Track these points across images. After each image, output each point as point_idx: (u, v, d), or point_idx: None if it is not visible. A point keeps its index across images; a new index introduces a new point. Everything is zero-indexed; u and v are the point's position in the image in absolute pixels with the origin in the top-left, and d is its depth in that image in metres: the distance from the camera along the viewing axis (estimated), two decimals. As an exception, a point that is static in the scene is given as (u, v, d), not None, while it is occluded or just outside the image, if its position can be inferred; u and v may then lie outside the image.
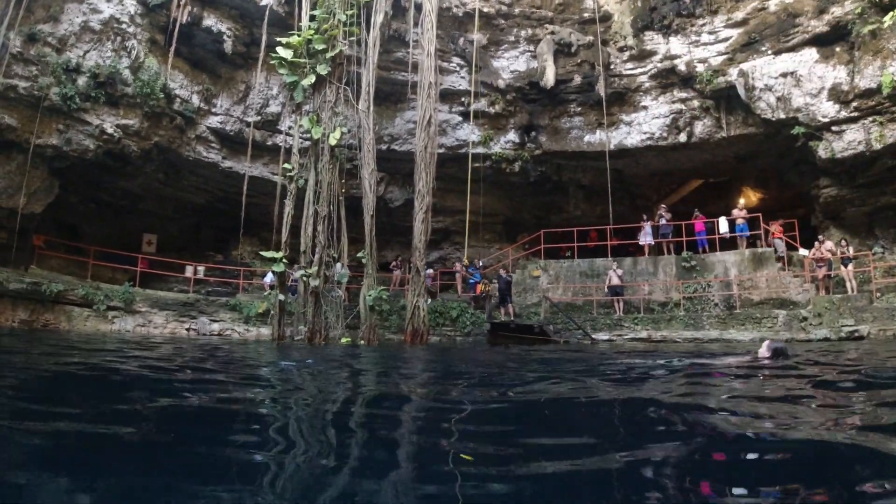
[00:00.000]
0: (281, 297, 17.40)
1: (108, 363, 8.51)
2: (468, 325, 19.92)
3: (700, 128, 21.08)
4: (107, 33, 17.81)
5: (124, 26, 18.07)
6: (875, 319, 15.59)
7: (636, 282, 20.27)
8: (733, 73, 19.74)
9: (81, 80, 17.30)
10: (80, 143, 17.81)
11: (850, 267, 17.37)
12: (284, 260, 17.26)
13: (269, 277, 20.14)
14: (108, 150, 18.45)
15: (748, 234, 20.34)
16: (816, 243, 18.17)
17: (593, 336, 18.31)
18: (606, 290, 20.02)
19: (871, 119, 17.58)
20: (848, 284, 17.29)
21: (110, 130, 18.10)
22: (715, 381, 6.97)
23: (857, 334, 15.28)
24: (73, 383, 6.29)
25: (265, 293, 20.47)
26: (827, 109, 18.14)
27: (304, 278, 17.31)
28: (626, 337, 18.33)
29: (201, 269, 22.13)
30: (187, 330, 19.09)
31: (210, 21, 19.36)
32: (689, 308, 19.13)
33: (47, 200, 18.51)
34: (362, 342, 17.16)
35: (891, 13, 16.37)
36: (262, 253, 18.03)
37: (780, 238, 19.85)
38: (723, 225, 20.79)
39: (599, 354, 13.40)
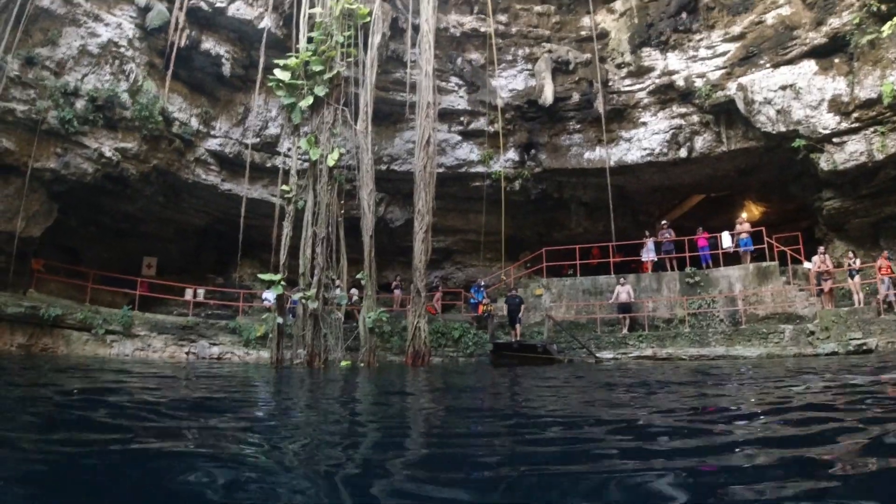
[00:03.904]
0: (279, 319, 17.21)
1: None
2: (470, 345, 19.69)
3: (700, 143, 20.98)
4: (105, 57, 17.88)
5: (122, 50, 18.15)
6: (883, 332, 15.30)
7: (640, 298, 20.00)
8: (732, 87, 19.66)
9: (79, 104, 17.31)
10: (78, 166, 17.78)
11: (857, 279, 17.11)
12: (283, 282, 17.08)
13: (271, 295, 19.77)
14: (107, 173, 18.42)
15: (752, 248, 20.12)
16: (819, 255, 17.89)
17: (598, 355, 18.04)
18: (616, 306, 19.75)
19: (872, 130, 17.42)
20: (855, 297, 17.00)
21: (109, 154, 18.07)
22: None
23: (865, 347, 14.98)
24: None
25: (264, 316, 20.28)
26: (827, 121, 18.00)
27: (303, 300, 17.13)
28: (630, 355, 18.05)
29: (201, 291, 21.97)
30: (186, 354, 18.90)
31: (208, 44, 19.45)
32: (693, 324, 18.85)
33: (46, 224, 18.43)
34: (362, 364, 16.92)
35: (889, 22, 16.29)
36: (261, 275, 17.89)
37: (888, 276, 16.59)
38: (726, 240, 20.59)
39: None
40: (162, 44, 18.85)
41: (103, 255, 21.63)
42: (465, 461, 4.19)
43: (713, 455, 4.17)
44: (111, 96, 17.74)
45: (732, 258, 20.55)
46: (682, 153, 21.10)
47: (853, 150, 17.76)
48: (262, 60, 19.05)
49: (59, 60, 17.13)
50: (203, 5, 18.96)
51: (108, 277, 20.45)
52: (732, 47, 19.95)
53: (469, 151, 22.37)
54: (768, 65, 19.15)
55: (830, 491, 3.24)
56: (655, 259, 21.08)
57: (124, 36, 18.12)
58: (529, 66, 22.10)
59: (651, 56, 21.13)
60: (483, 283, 22.00)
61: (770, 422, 5.64)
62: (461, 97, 21.98)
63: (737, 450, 4.35)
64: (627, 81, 21.56)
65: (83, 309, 18.34)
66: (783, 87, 18.63)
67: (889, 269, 16.68)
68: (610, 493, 3.23)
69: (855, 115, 17.56)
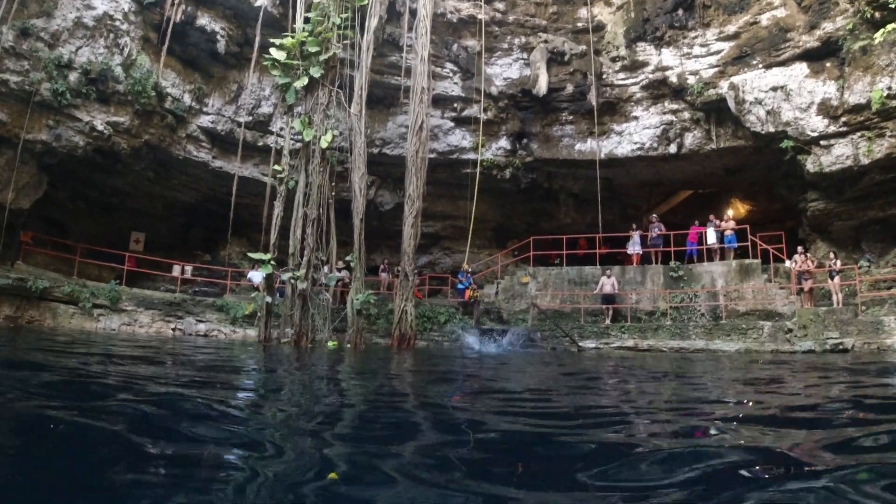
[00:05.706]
0: (268, 298, 17.33)
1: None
2: (456, 330, 19.90)
3: (690, 139, 21.22)
4: (100, 30, 17.75)
5: (117, 23, 18.02)
6: (860, 333, 15.68)
7: (624, 290, 20.32)
8: (724, 85, 19.87)
9: (73, 76, 17.22)
10: (69, 139, 17.71)
11: (837, 280, 17.47)
12: (272, 262, 17.19)
13: (257, 276, 19.76)
14: (98, 147, 18.35)
15: (736, 245, 20.45)
16: (799, 255, 18.24)
17: (580, 344, 18.34)
18: (600, 296, 20.04)
19: (859, 134, 17.69)
20: (834, 297, 17.38)
21: (100, 127, 18.01)
22: None
23: (841, 347, 15.37)
24: None
25: (253, 294, 20.37)
26: (816, 124, 18.26)
27: (292, 281, 17.25)
28: (612, 345, 18.38)
29: (189, 268, 21.98)
30: (173, 330, 18.96)
31: (204, 20, 19.32)
32: (675, 317, 19.20)
33: (35, 196, 18.38)
34: (349, 346, 17.11)
35: (882, 30, 16.52)
36: (251, 254, 17.94)
37: None
38: (711, 236, 20.89)
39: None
40: (157, 18, 18.74)
41: (91, 229, 21.57)
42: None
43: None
44: (105, 70, 17.64)
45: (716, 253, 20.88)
46: (672, 149, 21.34)
47: (840, 154, 18.04)
48: (257, 39, 18.99)
49: (53, 32, 17.00)
50: (200, -19, 18.83)
51: (95, 251, 20.43)
52: (726, 46, 20.14)
53: (461, 138, 22.47)
54: (760, 65, 19.37)
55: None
56: (640, 252, 21.38)
57: (120, 9, 17.99)
58: (525, 56, 22.16)
59: (646, 51, 21.27)
60: (470, 270, 22.18)
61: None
62: (455, 83, 22.03)
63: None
64: (621, 75, 21.71)
65: (70, 282, 18.35)
66: (774, 89, 18.85)
67: None
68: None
69: (843, 119, 17.81)
